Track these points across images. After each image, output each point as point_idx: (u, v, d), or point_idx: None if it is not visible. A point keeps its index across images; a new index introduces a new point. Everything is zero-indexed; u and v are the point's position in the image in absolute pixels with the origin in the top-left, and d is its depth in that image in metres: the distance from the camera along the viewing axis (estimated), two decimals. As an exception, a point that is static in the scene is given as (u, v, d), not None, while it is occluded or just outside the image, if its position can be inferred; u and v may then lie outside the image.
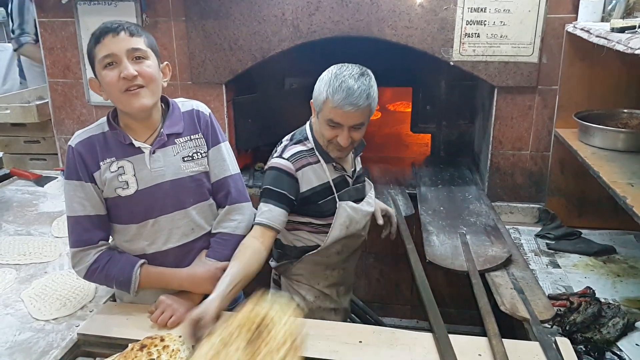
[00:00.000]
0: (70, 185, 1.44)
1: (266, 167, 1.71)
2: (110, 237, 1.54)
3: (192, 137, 1.52)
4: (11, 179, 2.80)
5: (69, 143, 1.46)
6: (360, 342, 1.37)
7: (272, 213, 1.59)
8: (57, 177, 2.77)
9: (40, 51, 2.73)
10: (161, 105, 1.51)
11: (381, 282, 2.64)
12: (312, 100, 1.68)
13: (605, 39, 1.56)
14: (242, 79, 2.67)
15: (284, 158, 1.66)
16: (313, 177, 1.68)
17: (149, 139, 1.47)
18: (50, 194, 2.61)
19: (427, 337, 1.40)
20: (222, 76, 2.55)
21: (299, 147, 1.69)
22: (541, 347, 1.34)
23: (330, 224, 1.71)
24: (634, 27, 1.48)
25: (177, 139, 1.50)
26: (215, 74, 2.54)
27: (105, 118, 1.48)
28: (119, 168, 1.44)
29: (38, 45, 2.82)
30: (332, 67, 1.63)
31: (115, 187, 1.44)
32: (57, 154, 2.93)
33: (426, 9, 2.26)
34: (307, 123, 1.76)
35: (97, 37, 1.37)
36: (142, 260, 1.49)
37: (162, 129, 1.48)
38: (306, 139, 1.72)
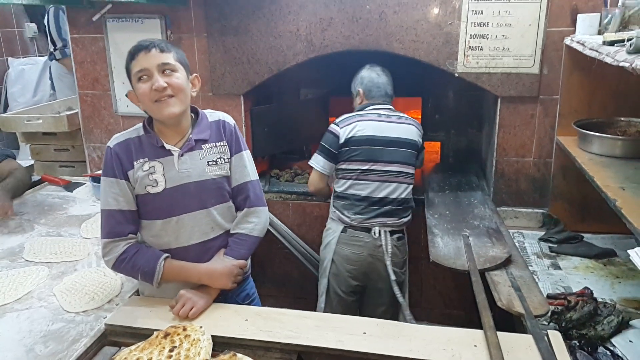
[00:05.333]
0: (107, 181, 1.57)
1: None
2: (138, 232, 1.66)
3: (217, 144, 1.65)
4: (42, 184, 2.93)
5: (108, 144, 1.59)
6: (364, 333, 1.46)
7: None
8: (85, 183, 2.89)
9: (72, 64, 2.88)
10: (191, 115, 1.65)
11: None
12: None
13: (597, 51, 1.63)
14: (260, 90, 2.79)
15: None
16: None
17: (179, 143, 1.61)
18: (79, 198, 2.72)
19: (428, 329, 1.48)
20: (240, 88, 2.66)
21: None
22: (534, 339, 1.41)
23: None
24: (623, 41, 1.52)
25: (204, 145, 1.63)
26: (234, 86, 2.66)
27: (141, 124, 1.63)
28: (150, 167, 1.57)
29: None
30: None
31: (146, 184, 1.57)
32: (85, 162, 3.05)
33: (432, 24, 2.36)
34: None
35: (132, 54, 1.52)
36: (166, 254, 1.60)
37: (190, 135, 1.61)
38: None
